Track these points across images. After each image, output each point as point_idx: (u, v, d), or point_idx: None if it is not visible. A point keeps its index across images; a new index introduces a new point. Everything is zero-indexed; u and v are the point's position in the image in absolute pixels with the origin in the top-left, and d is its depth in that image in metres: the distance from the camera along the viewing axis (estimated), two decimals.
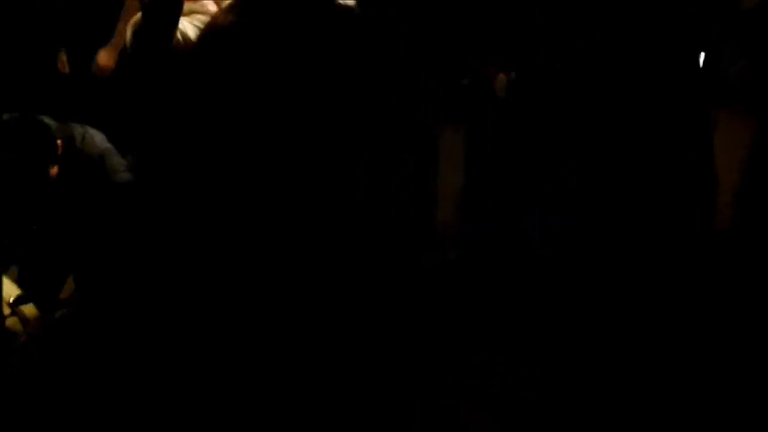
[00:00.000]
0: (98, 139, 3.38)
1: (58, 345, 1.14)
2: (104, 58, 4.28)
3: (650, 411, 2.77)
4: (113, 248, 3.26)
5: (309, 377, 1.08)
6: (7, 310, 2.66)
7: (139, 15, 3.93)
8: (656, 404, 2.84)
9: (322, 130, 1.05)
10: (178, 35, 3.80)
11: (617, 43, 3.77)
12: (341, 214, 1.07)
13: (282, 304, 1.09)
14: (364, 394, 1.08)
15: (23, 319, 2.65)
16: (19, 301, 2.70)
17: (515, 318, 3.19)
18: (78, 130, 3.31)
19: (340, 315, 1.09)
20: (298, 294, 1.09)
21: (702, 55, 3.38)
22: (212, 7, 3.94)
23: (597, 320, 3.29)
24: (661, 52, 3.55)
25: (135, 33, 3.90)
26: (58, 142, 3.23)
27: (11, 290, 2.75)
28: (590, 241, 3.76)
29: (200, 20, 3.86)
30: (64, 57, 4.34)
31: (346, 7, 1.20)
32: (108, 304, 1.17)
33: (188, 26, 3.84)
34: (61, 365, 1.15)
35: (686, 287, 3.33)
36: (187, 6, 3.85)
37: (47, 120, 3.28)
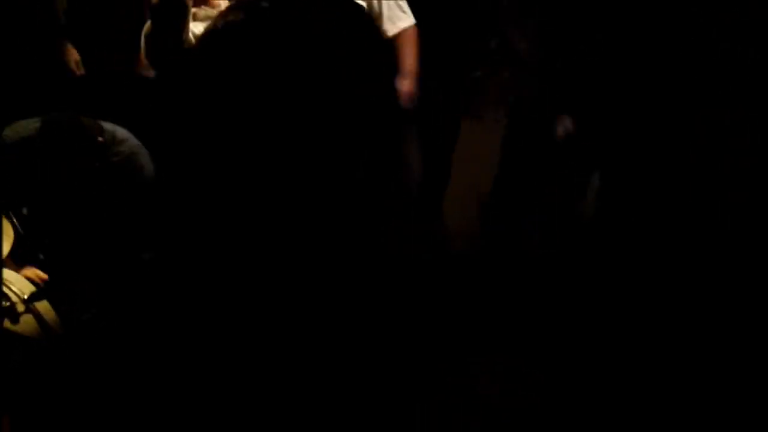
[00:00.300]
0: (128, 136, 3.43)
1: (80, 346, 1.14)
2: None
3: (650, 411, 2.77)
4: (140, 246, 3.31)
5: (309, 376, 1.10)
6: (21, 307, 2.68)
7: (149, 22, 4.00)
8: (656, 404, 2.84)
9: (322, 130, 1.07)
10: (192, 39, 3.86)
11: (617, 43, 3.76)
12: (340, 214, 1.09)
13: (282, 304, 1.11)
14: (364, 394, 1.10)
15: (38, 316, 2.68)
16: (34, 297, 2.73)
17: (515, 318, 3.19)
18: (108, 127, 3.35)
19: (339, 314, 1.11)
20: (299, 293, 1.11)
21: (702, 54, 3.35)
22: None
23: (597, 320, 3.29)
24: (661, 51, 3.53)
25: (146, 38, 3.97)
26: (100, 139, 3.26)
27: (26, 287, 2.77)
28: (591, 242, 3.76)
29: None
30: (77, 58, 4.37)
31: (345, 5, 1.21)
32: (130, 304, 1.19)
33: (202, 30, 3.91)
34: (82, 366, 1.16)
35: (687, 287, 3.32)
36: (204, 12, 3.91)
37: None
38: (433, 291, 1.06)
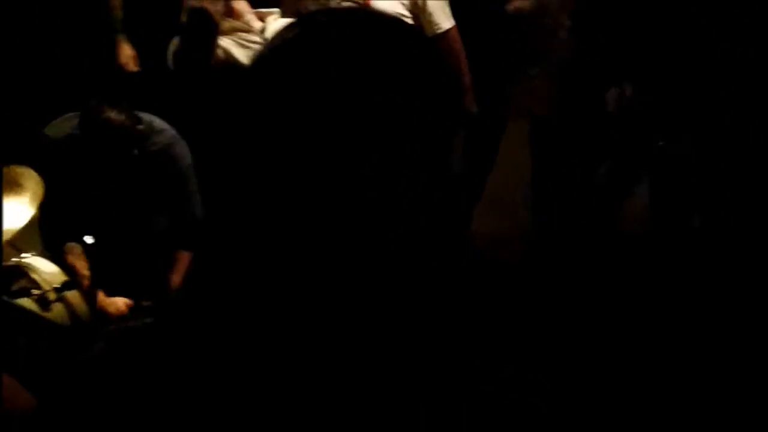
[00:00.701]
0: (166, 126, 3.51)
1: (152, 340, 1.17)
2: None
3: (656, 418, 2.81)
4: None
5: (314, 378, 1.16)
6: (52, 296, 2.78)
7: (177, 39, 4.09)
8: (662, 412, 2.88)
9: (354, 133, 1.15)
10: (221, 53, 3.97)
11: (618, 42, 3.81)
12: (351, 213, 1.15)
13: (290, 303, 1.17)
14: (369, 396, 1.16)
15: (68, 306, 2.78)
16: (65, 287, 2.83)
17: (523, 323, 3.23)
18: (146, 117, 3.44)
19: (347, 314, 1.17)
20: (308, 292, 1.17)
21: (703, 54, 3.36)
22: (256, 23, 4.13)
23: (603, 327, 3.31)
24: (663, 51, 3.55)
25: (174, 54, 4.06)
26: (139, 127, 3.32)
27: (57, 276, 2.87)
28: (594, 247, 3.80)
29: (242, 37, 4.06)
30: (133, 54, 4.42)
31: (394, 23, 1.29)
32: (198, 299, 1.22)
33: (230, 43, 4.02)
34: (156, 360, 1.20)
35: (692, 290, 3.32)
36: (230, 24, 4.04)
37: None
38: (443, 295, 1.09)
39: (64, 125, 3.42)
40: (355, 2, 3.93)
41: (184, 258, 3.49)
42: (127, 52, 4.42)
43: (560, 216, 4.20)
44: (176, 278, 3.45)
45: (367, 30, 1.15)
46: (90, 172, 3.30)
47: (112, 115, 3.21)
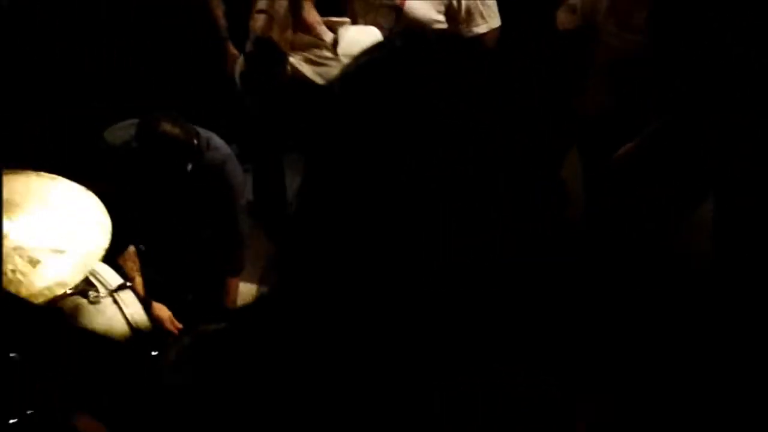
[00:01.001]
0: (221, 144, 3.53)
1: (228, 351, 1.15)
2: None
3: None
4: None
5: (324, 377, 1.15)
6: (108, 297, 2.82)
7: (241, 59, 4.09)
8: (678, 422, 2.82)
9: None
10: (289, 69, 3.96)
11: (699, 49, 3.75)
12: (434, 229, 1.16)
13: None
14: (380, 395, 1.14)
15: (122, 307, 2.81)
16: (120, 288, 2.86)
17: (542, 328, 3.14)
18: (202, 133, 3.47)
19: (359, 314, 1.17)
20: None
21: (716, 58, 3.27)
22: (327, 35, 4.10)
23: (620, 337, 3.26)
24: (676, 54, 3.50)
25: (240, 75, 4.08)
26: (195, 141, 3.33)
27: (112, 277, 2.90)
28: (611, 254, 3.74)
29: (315, 54, 4.05)
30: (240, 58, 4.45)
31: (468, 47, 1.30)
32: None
33: (300, 60, 4.00)
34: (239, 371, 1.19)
35: (701, 296, 3.26)
36: (307, 39, 4.01)
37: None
38: (464, 297, 1.06)
39: (122, 132, 3.45)
40: (390, 3, 3.92)
41: (234, 285, 3.52)
42: (235, 56, 4.46)
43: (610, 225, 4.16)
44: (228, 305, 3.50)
45: (444, 55, 1.16)
46: (143, 182, 3.33)
47: (168, 128, 3.23)
